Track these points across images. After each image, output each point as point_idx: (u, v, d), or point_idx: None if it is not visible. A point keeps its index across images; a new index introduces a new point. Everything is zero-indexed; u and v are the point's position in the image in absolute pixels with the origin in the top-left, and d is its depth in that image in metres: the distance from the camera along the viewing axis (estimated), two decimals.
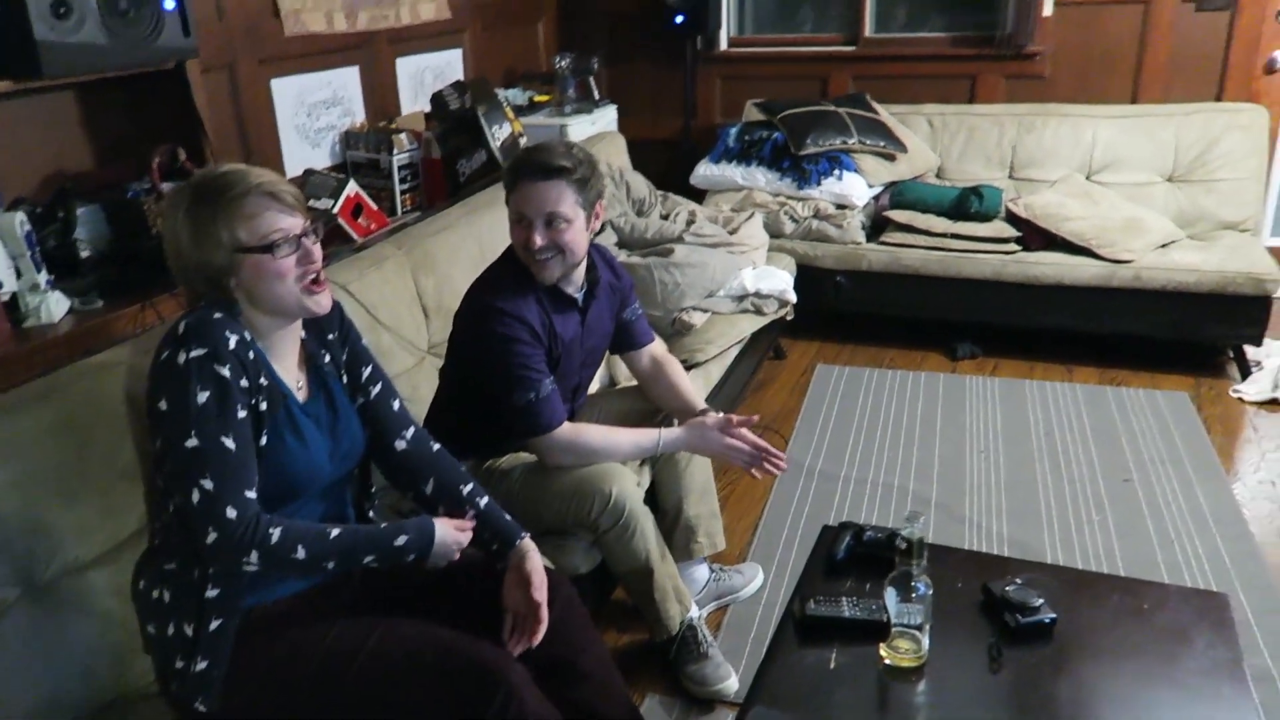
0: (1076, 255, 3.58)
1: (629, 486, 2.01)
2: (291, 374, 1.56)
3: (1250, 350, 3.57)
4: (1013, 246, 3.67)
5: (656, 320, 2.94)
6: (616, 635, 2.33)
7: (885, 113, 4.20)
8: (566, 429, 2.01)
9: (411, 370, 2.42)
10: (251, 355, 1.44)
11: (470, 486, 1.69)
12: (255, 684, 1.47)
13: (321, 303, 1.51)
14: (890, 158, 4.04)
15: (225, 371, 1.39)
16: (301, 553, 1.43)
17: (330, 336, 1.65)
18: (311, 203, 2.90)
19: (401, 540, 1.52)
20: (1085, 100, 4.13)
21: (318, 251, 1.50)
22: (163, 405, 1.40)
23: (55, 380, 1.69)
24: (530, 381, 1.95)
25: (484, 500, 1.69)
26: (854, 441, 3.21)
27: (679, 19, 4.36)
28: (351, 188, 3.02)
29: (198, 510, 1.38)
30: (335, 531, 1.48)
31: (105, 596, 1.63)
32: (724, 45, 4.72)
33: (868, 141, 3.99)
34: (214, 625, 1.47)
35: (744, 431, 2.09)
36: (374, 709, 1.47)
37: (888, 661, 1.48)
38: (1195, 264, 3.47)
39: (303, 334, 1.61)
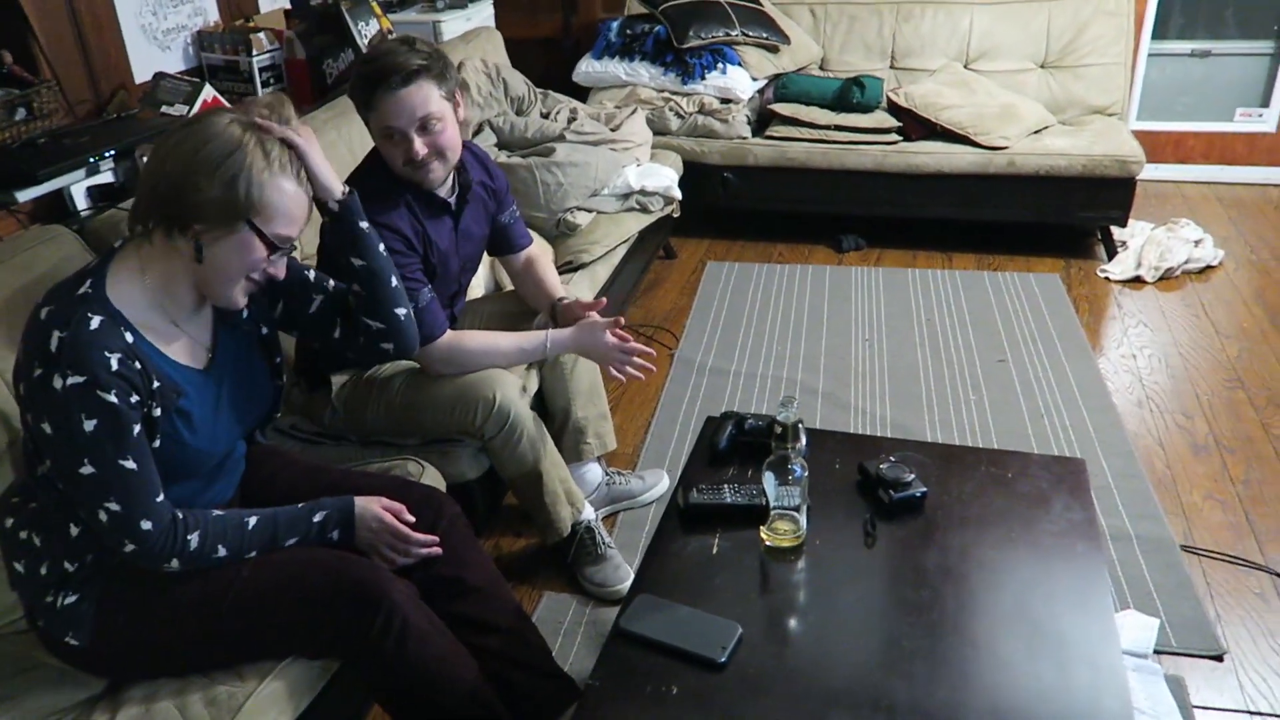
0: (955, 144, 3.65)
1: (512, 392, 1.99)
2: (193, 334, 1.45)
3: (1116, 231, 3.72)
4: (894, 137, 3.71)
5: (540, 221, 2.89)
6: (512, 539, 2.35)
7: (768, 3, 4.14)
8: (448, 337, 1.97)
9: None
10: (138, 365, 1.31)
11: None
12: (128, 613, 1.43)
13: (238, 303, 1.42)
14: (774, 50, 4.00)
15: (111, 397, 1.26)
16: (222, 551, 1.41)
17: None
18: (164, 109, 2.71)
19: (320, 516, 1.49)
20: None
21: (280, 272, 1.42)
22: (46, 428, 1.28)
23: None
24: (409, 290, 1.89)
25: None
26: (743, 337, 3.25)
27: None
28: (208, 92, 2.83)
29: (108, 527, 1.33)
30: (252, 521, 1.44)
31: None
32: None
33: (751, 33, 3.93)
34: (87, 560, 1.42)
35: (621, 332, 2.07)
36: (253, 635, 1.45)
37: (768, 543, 1.52)
38: (1065, 149, 3.56)
39: None
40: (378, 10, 3.35)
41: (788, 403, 1.46)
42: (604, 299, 2.11)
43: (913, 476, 1.60)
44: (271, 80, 3.13)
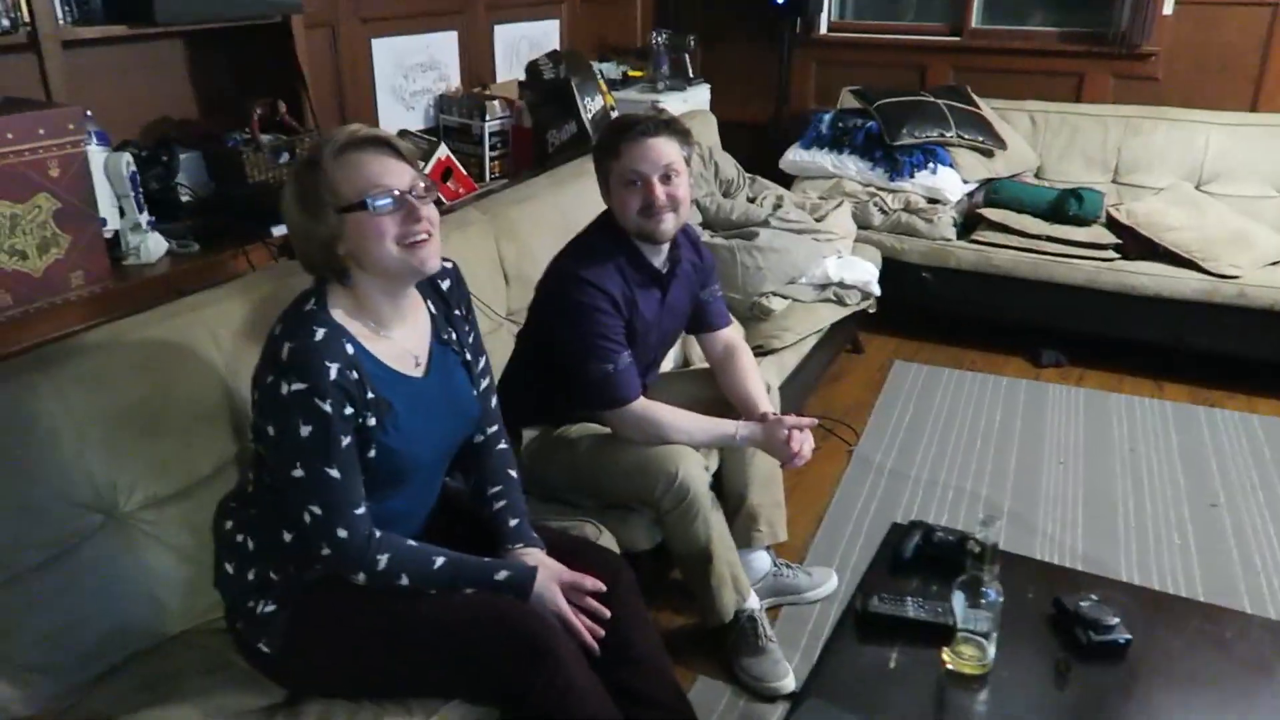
0: (1178, 267, 3.43)
1: (695, 469, 1.99)
2: (409, 345, 1.54)
3: None
4: (1111, 254, 3.53)
5: (735, 304, 2.91)
6: (672, 615, 2.33)
7: (986, 107, 4.08)
8: (641, 403, 2.00)
9: (489, 335, 2.41)
10: (355, 375, 1.41)
11: (498, 489, 1.70)
12: (318, 631, 1.50)
13: (426, 260, 1.44)
14: (988, 153, 3.92)
15: (327, 406, 1.37)
16: (405, 580, 1.48)
17: (456, 313, 1.66)
18: None
19: (501, 576, 1.54)
20: (1198, 106, 3.94)
21: (426, 210, 1.45)
22: (270, 431, 1.41)
23: (148, 319, 1.74)
24: (608, 352, 1.94)
25: (500, 504, 1.69)
26: (927, 442, 3.14)
27: (780, 0, 4.29)
28: (442, 151, 3.05)
29: (310, 530, 1.43)
30: (439, 562, 1.50)
31: (181, 531, 1.68)
32: (823, 29, 4.63)
33: (966, 135, 3.87)
34: (290, 571, 1.51)
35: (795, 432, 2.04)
36: (424, 670, 1.50)
37: (950, 666, 1.44)
38: None
39: (431, 308, 1.61)
40: (603, 87, 3.53)
41: (989, 521, 1.39)
42: (812, 420, 2.08)
43: (1116, 620, 1.49)
44: (499, 144, 3.34)
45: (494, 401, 1.74)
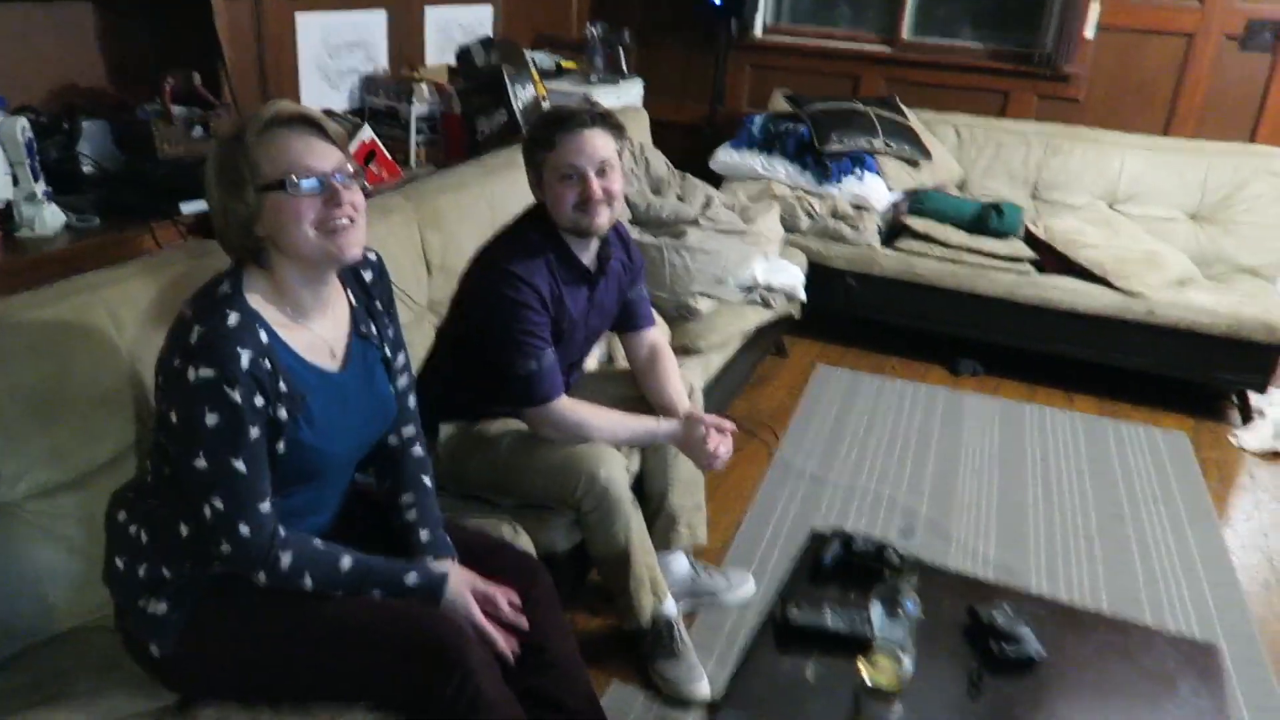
0: (1091, 283, 3.53)
1: (616, 470, 1.96)
2: (326, 336, 1.48)
3: (1254, 397, 3.53)
4: (1027, 267, 3.62)
5: (662, 302, 2.89)
6: (588, 617, 2.29)
7: (914, 118, 4.14)
8: (563, 403, 1.97)
9: (409, 326, 2.35)
10: (268, 365, 1.35)
11: (410, 497, 1.64)
12: (212, 633, 1.44)
13: (346, 248, 1.38)
14: (914, 164, 3.98)
15: (236, 396, 1.30)
16: (308, 582, 1.41)
17: (377, 306, 1.59)
18: None
19: (412, 579, 1.48)
20: (1115, 128, 4.07)
21: (350, 195, 1.38)
22: (173, 417, 1.34)
23: (42, 296, 1.64)
24: (533, 349, 1.90)
25: (412, 514, 1.63)
26: (848, 447, 3.17)
27: (716, 1, 4.28)
28: (366, 133, 2.95)
29: (210, 525, 1.36)
30: (346, 563, 1.44)
31: (71, 523, 1.59)
32: (759, 32, 4.64)
33: (893, 145, 3.92)
34: (185, 569, 1.43)
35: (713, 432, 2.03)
36: (326, 674, 1.44)
37: (867, 678, 1.44)
38: (1210, 305, 3.42)
39: (351, 299, 1.54)
40: (536, 77, 3.46)
41: (908, 532, 1.40)
42: (732, 424, 2.07)
43: (1028, 632, 1.51)
44: (426, 130, 3.25)
45: (412, 401, 1.68)
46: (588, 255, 2.01)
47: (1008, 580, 2.41)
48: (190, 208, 2.14)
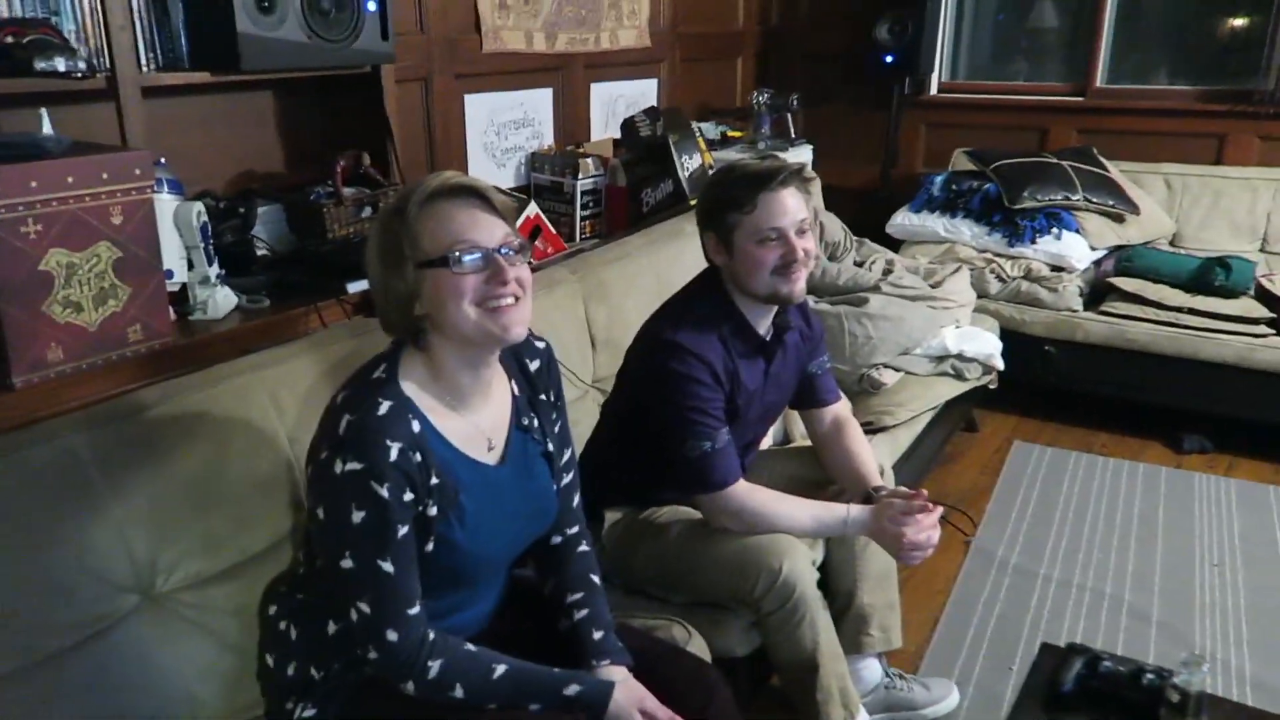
0: None
1: (802, 564, 1.74)
2: (484, 426, 1.36)
3: None
4: (1263, 329, 3.17)
5: (842, 375, 2.66)
6: None
7: (1116, 169, 3.78)
8: (741, 487, 1.77)
9: (573, 404, 2.23)
10: (419, 457, 1.24)
11: (579, 597, 1.48)
12: None
13: (510, 327, 1.26)
14: (1119, 219, 3.61)
15: (384, 491, 1.20)
16: (459, 692, 1.28)
17: (543, 398, 1.47)
18: None
19: (571, 691, 1.32)
20: None
21: (516, 272, 1.27)
22: (319, 513, 1.25)
23: (205, 378, 1.60)
24: (706, 430, 1.72)
25: (582, 614, 1.47)
26: (1056, 535, 2.81)
27: (888, 59, 4.10)
28: (532, 209, 2.91)
29: (358, 628, 1.25)
30: (500, 670, 1.30)
31: (225, 615, 1.51)
32: (934, 90, 4.41)
33: (1094, 200, 3.58)
34: (333, 670, 1.32)
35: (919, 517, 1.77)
36: None
37: None
38: None
39: (514, 389, 1.43)
40: (703, 146, 3.37)
41: (1194, 663, 1.11)
42: (924, 492, 1.82)
43: None
44: (591, 203, 3.19)
45: (576, 500, 1.54)
46: (764, 325, 1.83)
47: (1272, 706, 2.00)
48: (356, 286, 2.11)
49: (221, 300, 1.93)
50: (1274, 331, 3.17)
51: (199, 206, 1.89)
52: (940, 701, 2.10)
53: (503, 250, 1.26)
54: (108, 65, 1.84)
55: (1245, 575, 2.59)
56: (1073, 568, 2.64)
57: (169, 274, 1.81)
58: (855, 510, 1.80)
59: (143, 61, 1.93)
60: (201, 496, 1.50)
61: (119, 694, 1.39)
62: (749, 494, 1.77)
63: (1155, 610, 2.45)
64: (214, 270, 1.93)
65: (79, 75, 1.75)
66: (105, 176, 1.59)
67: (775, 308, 1.84)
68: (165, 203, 1.84)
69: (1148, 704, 1.20)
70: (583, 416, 2.20)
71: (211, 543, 1.51)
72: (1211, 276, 3.30)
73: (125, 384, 1.67)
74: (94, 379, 1.64)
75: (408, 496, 1.22)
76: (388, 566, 1.22)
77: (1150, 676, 1.26)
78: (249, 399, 1.61)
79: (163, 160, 1.92)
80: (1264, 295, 3.27)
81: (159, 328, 1.72)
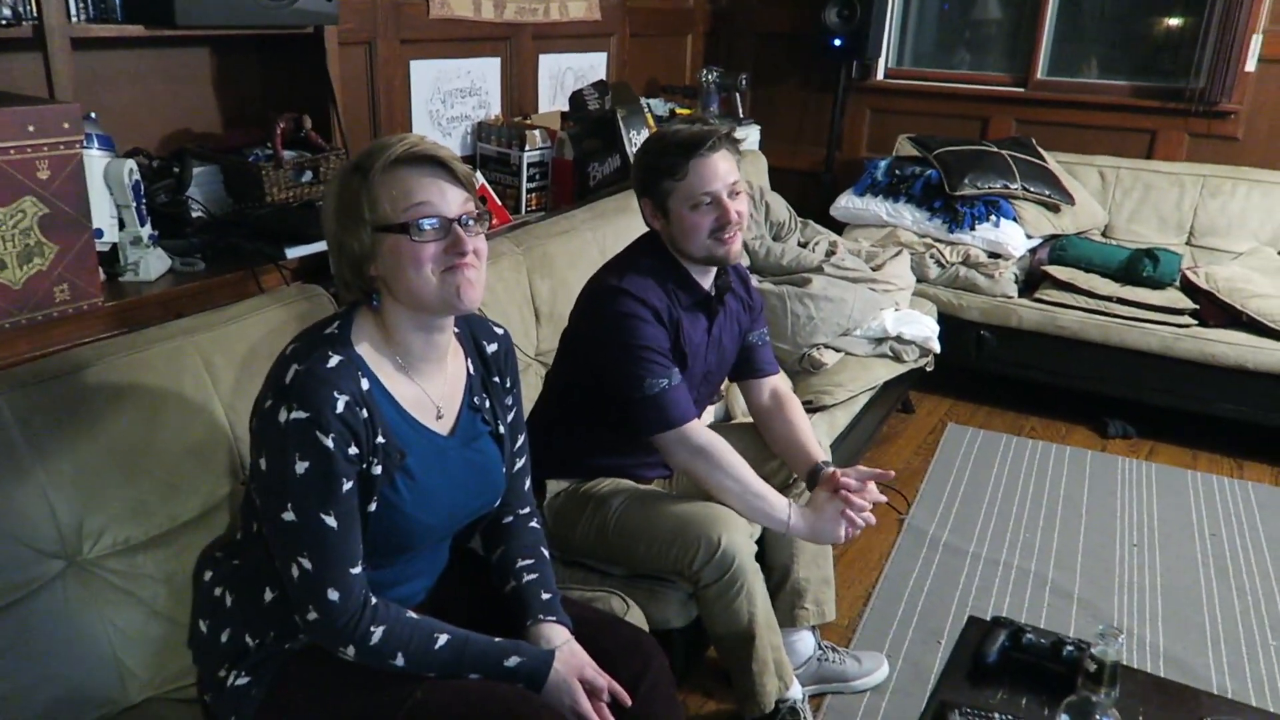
0: (1262, 338, 3.16)
1: (740, 537, 1.76)
2: (434, 394, 1.35)
3: None
4: (1187, 320, 3.28)
5: (784, 354, 2.69)
6: (703, 699, 2.08)
7: (1053, 160, 3.86)
8: (706, 434, 1.79)
9: None
10: (365, 413, 1.23)
11: (530, 563, 1.48)
12: (291, 713, 1.29)
13: (465, 294, 1.26)
14: (1054, 208, 3.70)
15: (328, 442, 1.19)
16: (400, 660, 1.27)
17: (496, 380, 1.46)
18: None
19: (512, 663, 1.32)
20: (1279, 167, 3.70)
21: (474, 244, 1.26)
22: (262, 464, 1.23)
23: (135, 340, 1.56)
24: (661, 367, 1.74)
25: (531, 577, 1.47)
26: (985, 514, 2.88)
27: (836, 42, 4.12)
28: (478, 179, 2.87)
29: (298, 585, 1.23)
30: (441, 640, 1.29)
31: (154, 583, 1.49)
32: (880, 75, 4.45)
33: (1032, 189, 3.65)
34: (268, 637, 1.30)
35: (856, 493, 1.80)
36: None
37: None
38: None
39: (470, 367, 1.42)
40: (650, 121, 3.36)
41: (1109, 636, 1.15)
42: (891, 472, 1.86)
43: None
44: (537, 176, 3.17)
45: (527, 485, 1.54)
46: (706, 281, 1.85)
47: (1183, 678, 2.08)
48: (295, 252, 2.07)
49: (154, 262, 1.88)
50: (1196, 322, 3.28)
51: (131, 164, 1.83)
52: (871, 674, 2.15)
53: (463, 219, 1.26)
54: (34, 13, 1.76)
55: (1162, 555, 2.69)
56: (1000, 546, 2.71)
57: (98, 233, 1.75)
58: (796, 514, 1.79)
59: (72, 11, 1.84)
60: (130, 462, 1.47)
61: (43, 660, 1.36)
62: (711, 437, 1.79)
63: (1077, 587, 2.54)
64: (146, 231, 1.87)
65: (4, 23, 1.68)
66: (31, 129, 1.53)
67: (715, 268, 1.85)
68: (95, 159, 1.77)
69: (1067, 674, 1.25)
70: (526, 390, 2.16)
71: (141, 509, 1.47)
72: (1140, 268, 3.40)
73: (51, 345, 1.62)
74: (17, 339, 1.59)
75: (352, 451, 1.21)
76: (330, 520, 1.21)
77: (1069, 648, 1.31)
78: (181, 364, 1.57)
79: (93, 115, 1.85)
80: (1188, 287, 3.38)
81: (87, 288, 1.67)
